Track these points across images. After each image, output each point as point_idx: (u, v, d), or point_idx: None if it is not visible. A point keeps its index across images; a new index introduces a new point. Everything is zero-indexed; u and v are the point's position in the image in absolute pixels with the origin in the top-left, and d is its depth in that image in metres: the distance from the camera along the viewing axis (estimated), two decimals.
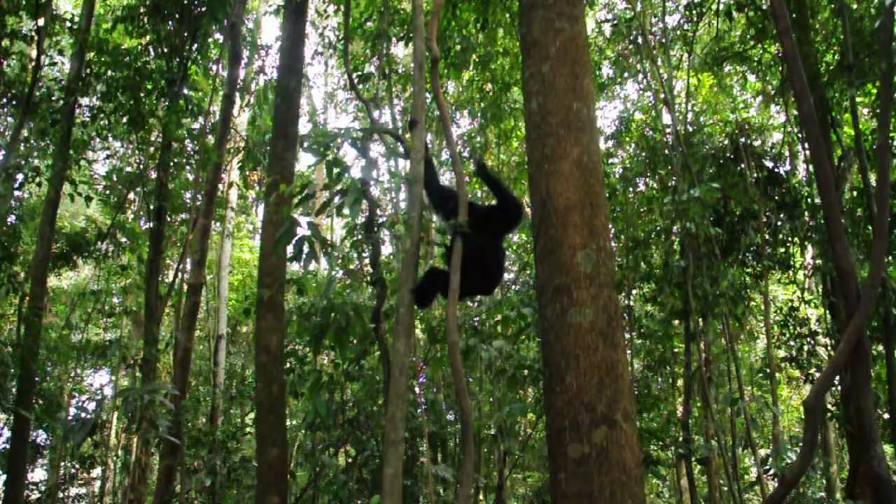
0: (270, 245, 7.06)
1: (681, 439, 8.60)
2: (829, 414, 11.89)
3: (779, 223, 9.28)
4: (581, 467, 5.06)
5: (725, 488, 14.22)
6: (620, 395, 5.24)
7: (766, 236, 9.50)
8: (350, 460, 8.04)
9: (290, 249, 4.81)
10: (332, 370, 6.53)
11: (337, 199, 4.78)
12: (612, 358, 5.29)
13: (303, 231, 4.77)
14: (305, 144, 5.07)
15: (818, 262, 10.51)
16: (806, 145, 11.05)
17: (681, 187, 6.53)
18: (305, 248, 4.74)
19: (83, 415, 5.37)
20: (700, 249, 7.30)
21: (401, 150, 5.35)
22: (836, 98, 11.01)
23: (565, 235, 5.54)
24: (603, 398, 5.15)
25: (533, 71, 6.14)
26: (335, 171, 4.83)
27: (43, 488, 14.03)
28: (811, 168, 10.68)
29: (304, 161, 19.39)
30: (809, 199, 10.21)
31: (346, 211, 4.79)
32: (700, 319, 7.25)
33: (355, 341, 4.79)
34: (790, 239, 9.85)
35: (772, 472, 7.94)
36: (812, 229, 9.52)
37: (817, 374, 11.75)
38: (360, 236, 4.85)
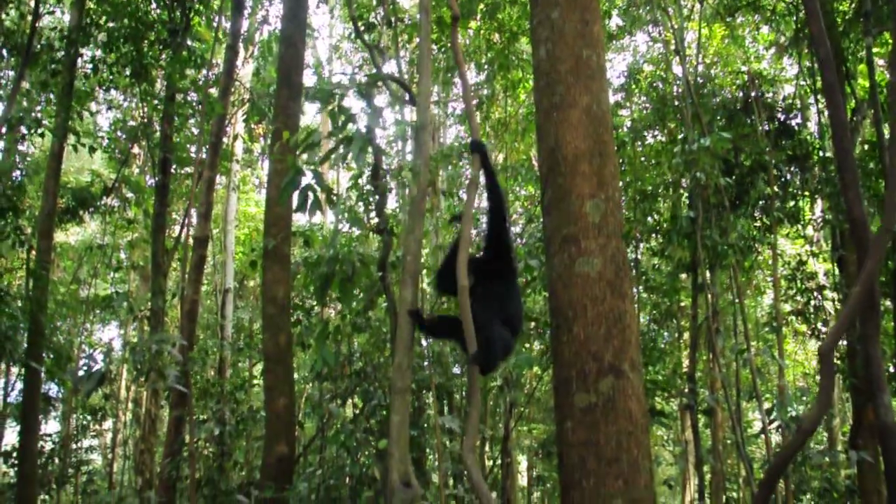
0: (276, 195, 7.04)
1: (686, 391, 8.64)
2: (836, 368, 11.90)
3: (789, 176, 9.15)
4: (588, 416, 5.08)
5: (729, 441, 14.39)
6: (627, 344, 5.23)
7: (776, 189, 9.38)
8: (357, 411, 8.11)
9: (295, 199, 4.76)
10: (339, 321, 6.53)
11: (342, 148, 4.72)
12: (619, 308, 5.27)
13: (307, 180, 4.71)
14: (310, 93, 4.98)
15: (828, 216, 10.41)
16: (819, 97, 10.89)
17: (691, 137, 6.40)
18: (310, 197, 4.69)
19: (93, 365, 5.39)
20: (709, 200, 7.21)
21: (406, 97, 5.25)
22: (852, 49, 10.78)
23: (574, 184, 5.47)
24: (610, 348, 5.15)
25: (542, 17, 6.01)
26: (340, 119, 4.75)
27: (56, 439, 14.25)
28: (823, 120, 10.52)
29: (310, 113, 19.22)
30: (821, 152, 10.07)
31: (351, 160, 4.74)
32: (708, 271, 7.21)
33: (361, 291, 4.77)
34: (800, 192, 9.73)
35: (776, 423, 7.97)
36: (823, 182, 9.40)
37: (824, 329, 11.77)
38: (366, 186, 4.79)
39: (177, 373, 5.81)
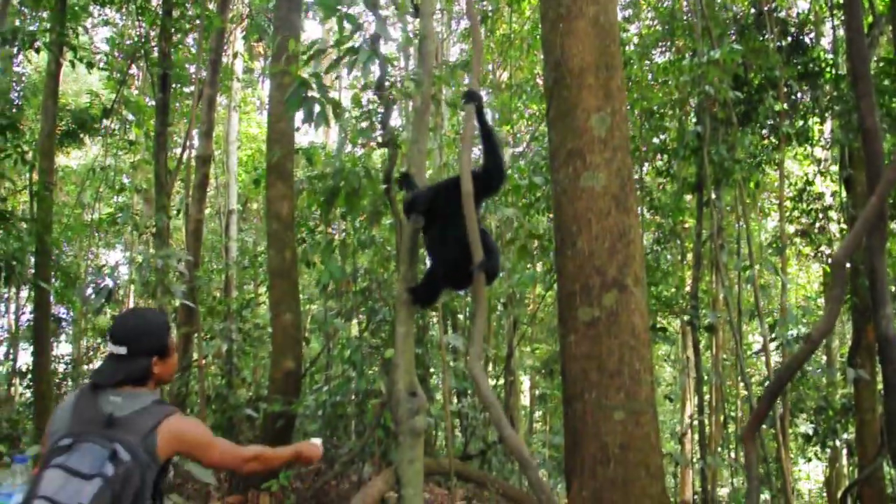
0: (279, 110, 6.94)
1: (689, 308, 8.71)
2: None
3: (799, 94, 8.96)
4: (591, 330, 5.14)
5: (728, 363, 14.62)
6: (631, 259, 5.24)
7: (785, 106, 9.21)
8: (361, 329, 8.22)
9: (300, 113, 4.68)
10: (345, 236, 6.53)
11: (347, 59, 4.61)
12: (624, 223, 5.26)
13: (312, 92, 4.62)
14: (315, 1, 4.82)
15: (837, 135, 10.26)
16: (835, 12, 10.56)
17: (701, 50, 6.23)
18: (316, 109, 4.61)
19: (100, 283, 5.43)
20: (717, 116, 7.07)
21: (411, 8, 5.10)
22: None
23: (579, 98, 5.38)
24: (614, 262, 5.16)
25: None
26: (346, 28, 4.63)
27: (68, 361, 14.54)
28: (838, 36, 10.25)
29: (310, 28, 18.70)
30: (834, 70, 9.84)
31: (356, 71, 4.63)
32: (713, 188, 7.15)
33: (367, 205, 4.74)
34: (811, 111, 9.54)
35: (777, 342, 8.06)
36: (834, 100, 9.21)
37: (828, 251, 11.78)
38: (369, 98, 4.70)
39: (183, 289, 5.85)
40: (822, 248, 11.81)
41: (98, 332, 14.97)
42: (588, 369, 5.14)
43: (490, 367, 12.58)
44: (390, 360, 6.04)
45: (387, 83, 4.62)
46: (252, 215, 21.78)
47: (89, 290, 5.62)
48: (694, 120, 9.40)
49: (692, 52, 7.42)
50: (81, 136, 12.44)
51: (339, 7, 4.57)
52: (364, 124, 5.58)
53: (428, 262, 4.33)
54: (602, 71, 5.44)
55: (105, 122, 12.88)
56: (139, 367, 2.60)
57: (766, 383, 9.61)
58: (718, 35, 8.38)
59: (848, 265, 9.82)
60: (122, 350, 2.60)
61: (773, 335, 7.83)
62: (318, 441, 3.18)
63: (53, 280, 10.44)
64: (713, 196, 6.96)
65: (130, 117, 13.58)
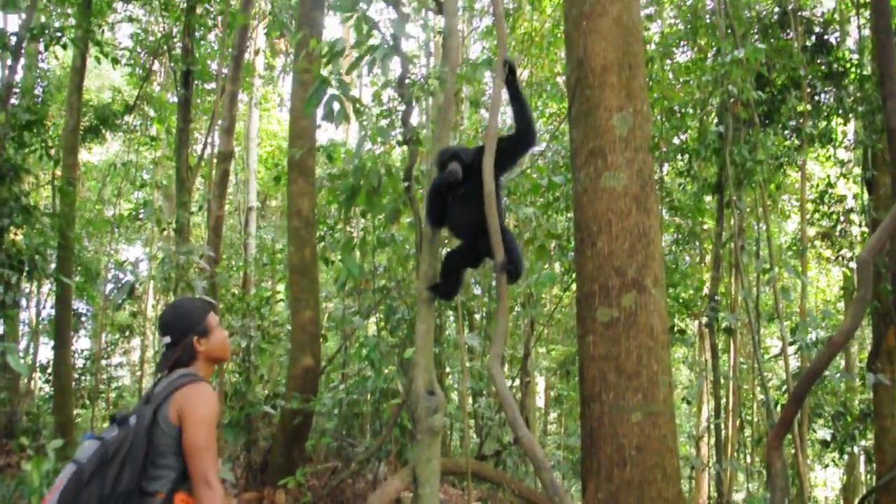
0: (300, 107, 6.96)
1: (708, 309, 8.64)
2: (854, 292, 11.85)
3: (823, 95, 8.85)
4: (609, 330, 5.12)
5: (745, 367, 14.49)
6: (651, 260, 5.22)
7: (809, 107, 9.11)
8: (379, 328, 8.22)
9: (321, 110, 4.70)
10: (365, 234, 6.52)
11: (367, 58, 4.62)
12: (644, 223, 5.24)
13: (333, 90, 4.64)
14: (334, 2, 4.84)
15: (860, 136, 10.13)
16: (861, 11, 10.43)
17: (725, 49, 6.18)
18: (336, 107, 4.63)
19: (122, 278, 5.46)
20: (740, 116, 7.00)
21: (432, 4, 5.10)
22: None
23: (602, 97, 5.37)
24: (633, 263, 5.14)
25: None
26: (365, 27, 4.64)
27: (87, 356, 14.68)
28: (864, 35, 10.12)
29: (332, 26, 18.69)
30: (858, 70, 9.71)
31: (377, 69, 4.65)
32: (734, 189, 7.07)
33: (387, 203, 4.74)
34: (836, 111, 9.42)
35: (796, 346, 7.97)
36: (859, 101, 9.09)
37: (849, 255, 11.64)
38: (390, 96, 4.70)
39: (204, 284, 5.88)
40: (843, 251, 11.67)
41: (117, 327, 15.13)
42: (606, 370, 5.13)
43: (506, 368, 12.55)
44: (408, 359, 6.05)
45: (407, 81, 4.62)
46: (271, 212, 21.88)
47: (110, 286, 5.66)
48: (716, 120, 9.32)
49: (715, 51, 7.35)
50: (103, 131, 12.55)
51: (357, 6, 4.59)
52: (384, 122, 5.59)
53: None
54: (625, 70, 5.42)
55: (127, 118, 12.99)
56: (183, 350, 2.83)
57: (784, 388, 9.51)
58: (742, 34, 8.30)
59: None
60: (167, 339, 2.85)
61: (793, 339, 7.74)
62: None
63: (75, 275, 10.55)
64: (734, 197, 6.90)
65: (152, 113, 13.69)
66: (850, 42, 11.11)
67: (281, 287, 14.38)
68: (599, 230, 5.24)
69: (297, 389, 7.03)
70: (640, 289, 5.14)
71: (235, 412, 7.12)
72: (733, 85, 6.37)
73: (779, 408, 11.55)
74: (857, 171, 10.51)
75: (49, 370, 11.90)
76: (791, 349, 8.30)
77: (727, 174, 6.39)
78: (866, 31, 10.10)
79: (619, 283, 5.16)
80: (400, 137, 4.89)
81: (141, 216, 6.90)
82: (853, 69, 9.50)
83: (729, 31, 8.08)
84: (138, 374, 17.78)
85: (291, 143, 7.14)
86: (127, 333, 15.32)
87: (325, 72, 4.74)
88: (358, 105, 4.53)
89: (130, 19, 11.23)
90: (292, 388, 7.10)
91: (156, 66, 14.18)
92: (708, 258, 14.21)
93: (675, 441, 5.11)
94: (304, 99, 7.35)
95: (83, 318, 14.22)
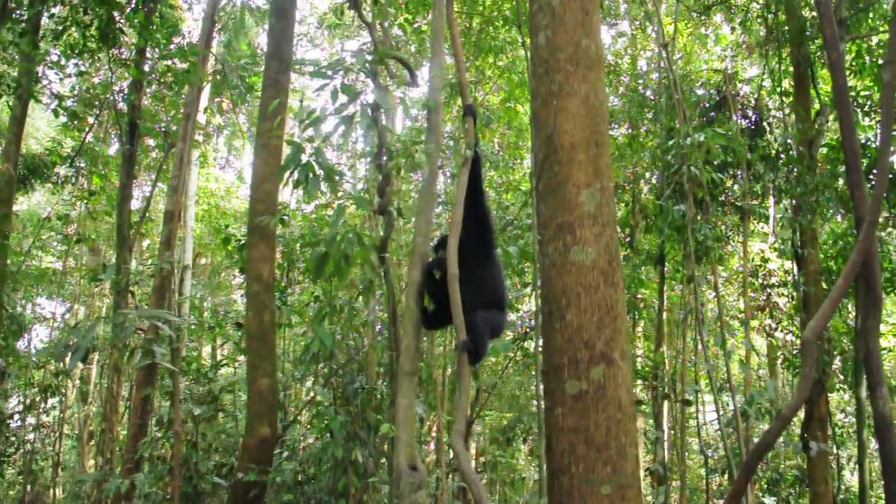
0: (265, 170, 6.87)
1: (662, 380, 8.82)
2: (787, 362, 12.34)
3: (760, 173, 9.39)
4: (578, 403, 5.13)
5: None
6: (618, 333, 5.29)
7: (755, 187, 9.62)
8: (336, 396, 8.00)
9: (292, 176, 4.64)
10: (338, 302, 6.38)
11: (342, 128, 4.63)
12: (611, 297, 5.33)
13: (306, 157, 4.61)
14: (310, 69, 4.85)
15: (786, 216, 10.69)
16: (783, 99, 11.18)
17: (683, 131, 6.50)
18: (311, 176, 4.60)
19: (72, 339, 5.18)
20: (696, 195, 7.35)
21: (407, 77, 5.18)
22: (817, 54, 11.05)
23: (570, 173, 5.49)
24: (602, 336, 5.20)
25: (542, 4, 5.99)
26: (339, 99, 4.65)
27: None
28: (790, 120, 10.81)
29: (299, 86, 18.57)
30: (788, 153, 10.33)
31: (349, 140, 4.66)
32: (694, 264, 7.34)
33: (357, 272, 4.69)
34: (770, 190, 9.98)
35: (743, 416, 8.18)
36: (792, 182, 9.65)
37: (775, 325, 12.16)
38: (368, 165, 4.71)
39: (163, 351, 5.62)
40: (768, 321, 12.16)
41: (38, 386, 14.25)
42: (575, 443, 5.11)
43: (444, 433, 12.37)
44: (364, 430, 5.91)
45: (389, 150, 4.64)
46: (200, 270, 21.35)
47: (61, 348, 5.36)
48: (654, 195, 9.70)
49: (669, 130, 7.71)
50: (32, 181, 12.11)
51: (333, 76, 4.61)
52: (361, 189, 5.56)
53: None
54: (592, 148, 5.58)
55: (58, 169, 12.56)
56: None
57: (732, 457, 9.72)
58: (688, 116, 8.74)
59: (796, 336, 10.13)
60: None
61: (736, 407, 7.96)
62: None
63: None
64: (694, 273, 7.14)
65: (83, 166, 13.23)
66: (770, 125, 11.84)
67: (225, 351, 13.91)
68: (568, 303, 5.29)
69: (252, 460, 6.70)
70: (608, 362, 5.19)
71: (184, 484, 6.72)
72: (694, 167, 6.68)
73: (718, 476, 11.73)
74: (787, 247, 11.07)
75: None
76: (725, 418, 8.53)
77: (691, 251, 6.64)
78: (792, 118, 10.83)
79: (587, 356, 5.20)
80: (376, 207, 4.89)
81: (102, 277, 6.60)
82: (787, 152, 10.11)
83: (674, 112, 8.50)
84: (55, 436, 16.72)
85: (253, 206, 7.02)
86: (49, 392, 14.43)
87: (299, 138, 4.71)
88: (335, 174, 4.50)
89: (80, 73, 10.95)
90: (247, 458, 6.75)
91: (91, 119, 13.81)
92: (641, 327, 14.58)
93: None
94: (268, 163, 7.32)
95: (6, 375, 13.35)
